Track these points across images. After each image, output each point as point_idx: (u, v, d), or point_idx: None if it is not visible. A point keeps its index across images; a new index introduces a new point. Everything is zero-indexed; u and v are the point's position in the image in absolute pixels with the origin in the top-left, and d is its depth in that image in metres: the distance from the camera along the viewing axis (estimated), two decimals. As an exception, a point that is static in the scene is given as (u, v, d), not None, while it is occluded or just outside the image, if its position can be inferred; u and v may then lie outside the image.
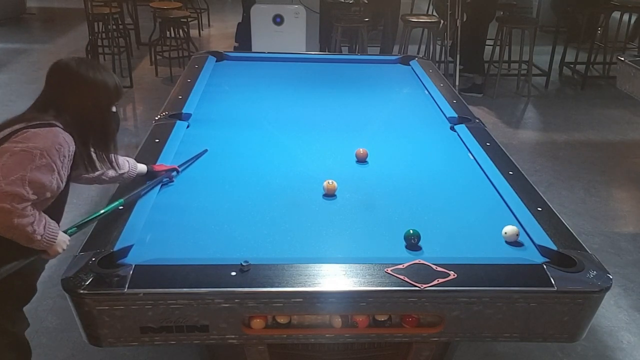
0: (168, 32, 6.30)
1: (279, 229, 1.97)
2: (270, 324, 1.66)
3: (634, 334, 2.82)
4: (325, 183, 2.20)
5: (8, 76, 6.19)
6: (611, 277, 1.70)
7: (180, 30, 6.32)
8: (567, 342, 1.78)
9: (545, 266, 1.72)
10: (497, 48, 6.18)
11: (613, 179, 4.46)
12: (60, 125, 1.69)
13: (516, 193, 2.19)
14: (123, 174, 2.08)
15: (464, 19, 5.99)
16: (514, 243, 1.91)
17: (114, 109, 1.85)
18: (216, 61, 3.79)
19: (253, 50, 5.59)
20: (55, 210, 1.77)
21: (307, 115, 3.05)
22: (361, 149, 2.51)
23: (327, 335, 1.70)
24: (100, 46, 6.19)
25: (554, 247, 1.84)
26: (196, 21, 8.08)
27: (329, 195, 2.18)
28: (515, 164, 2.45)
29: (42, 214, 1.66)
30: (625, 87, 4.07)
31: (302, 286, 1.60)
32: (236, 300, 1.59)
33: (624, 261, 3.39)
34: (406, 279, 1.63)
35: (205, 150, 2.50)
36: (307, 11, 5.67)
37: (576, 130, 5.35)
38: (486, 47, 6.28)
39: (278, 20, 5.61)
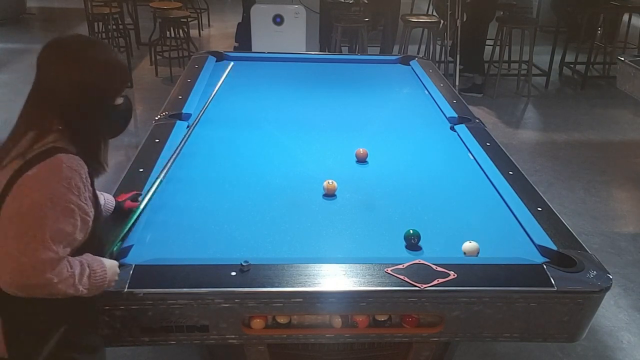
0: (168, 32, 6.30)
1: (279, 229, 1.97)
2: (270, 324, 1.66)
3: (634, 334, 2.82)
4: (325, 183, 2.19)
5: (8, 76, 6.19)
6: (611, 277, 1.70)
7: (180, 30, 6.32)
8: (567, 342, 1.78)
9: (545, 266, 1.71)
10: (497, 48, 6.18)
11: (613, 179, 4.46)
12: (60, 145, 1.39)
13: (516, 193, 2.18)
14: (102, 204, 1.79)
15: (464, 19, 5.99)
16: (509, 243, 1.91)
17: (118, 100, 1.52)
18: (216, 61, 3.79)
19: (253, 50, 5.59)
20: (92, 235, 1.48)
21: (307, 115, 3.05)
22: (361, 149, 2.51)
23: (327, 335, 1.69)
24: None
25: (554, 247, 1.84)
26: (196, 21, 8.07)
27: (329, 195, 2.18)
28: (515, 164, 2.45)
29: (82, 261, 1.40)
30: (625, 87, 4.07)
31: (302, 286, 1.60)
32: (236, 300, 1.59)
33: (624, 261, 3.39)
34: (406, 279, 1.63)
35: (232, 65, 2.49)
36: (307, 11, 5.67)
37: (576, 130, 5.35)
38: (486, 47, 6.28)
39: (278, 20, 5.61)
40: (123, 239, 1.72)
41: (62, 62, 1.41)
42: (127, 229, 1.77)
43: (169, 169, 2.09)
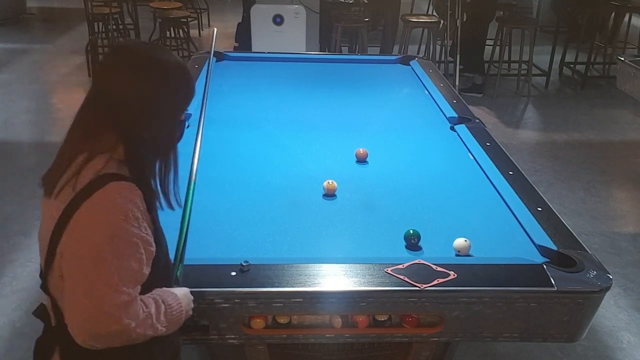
0: (168, 32, 6.31)
1: (279, 229, 1.97)
2: (270, 324, 1.66)
3: (634, 334, 2.82)
4: (325, 183, 2.19)
5: (8, 76, 6.19)
6: (611, 277, 1.70)
7: (180, 30, 6.32)
8: (567, 342, 1.78)
9: (545, 266, 1.71)
10: (497, 48, 6.18)
11: (613, 179, 4.46)
12: (111, 169, 1.24)
13: (516, 193, 2.18)
14: None
15: (464, 19, 5.99)
16: (509, 243, 1.92)
17: (182, 115, 1.38)
18: (216, 61, 3.79)
19: (253, 50, 5.59)
20: (157, 265, 1.32)
21: (307, 115, 3.05)
22: (361, 149, 2.51)
23: (327, 335, 1.69)
24: (100, 46, 6.19)
25: (554, 247, 1.84)
26: (196, 21, 8.07)
27: (329, 195, 2.18)
28: (515, 164, 2.45)
29: (155, 297, 1.28)
30: (625, 87, 4.07)
31: (302, 286, 1.60)
32: (236, 300, 1.59)
33: (624, 261, 3.39)
34: (406, 279, 1.63)
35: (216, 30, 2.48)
36: (307, 11, 5.66)
37: (576, 130, 5.35)
38: (486, 47, 6.28)
39: (278, 20, 5.61)
40: (182, 260, 1.52)
41: (132, 70, 1.24)
42: (182, 249, 1.54)
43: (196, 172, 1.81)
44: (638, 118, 5.74)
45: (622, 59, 4.12)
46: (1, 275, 3.08)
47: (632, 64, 3.92)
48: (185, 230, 1.55)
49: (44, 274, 1.31)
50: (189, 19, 6.52)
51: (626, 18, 6.87)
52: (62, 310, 1.26)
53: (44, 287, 1.32)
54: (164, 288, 1.35)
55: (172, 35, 6.30)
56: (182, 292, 1.38)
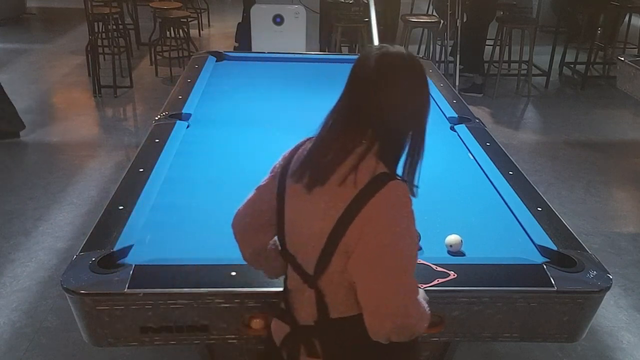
0: (168, 32, 6.31)
1: (279, 229, 1.96)
2: (270, 324, 1.65)
3: (634, 334, 2.82)
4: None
5: (8, 76, 6.18)
6: (611, 277, 1.70)
7: (180, 30, 6.32)
8: (567, 342, 1.78)
9: (545, 266, 1.71)
10: (497, 48, 6.18)
11: (613, 179, 4.46)
12: (383, 169, 1.30)
13: (516, 193, 2.18)
14: None
15: (464, 19, 5.99)
16: (509, 243, 1.91)
17: None
18: (216, 61, 3.79)
19: (253, 50, 5.59)
20: None
21: (307, 115, 3.03)
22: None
23: (327, 335, 1.69)
24: (100, 46, 6.20)
25: (554, 247, 1.84)
26: (196, 21, 8.07)
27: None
28: (515, 164, 2.45)
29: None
30: (625, 87, 4.07)
31: (302, 286, 1.60)
32: (236, 300, 1.59)
33: (624, 261, 3.39)
34: (406, 279, 1.62)
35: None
36: (307, 11, 5.67)
37: (576, 130, 5.35)
38: (486, 47, 6.28)
39: (278, 20, 5.61)
40: None
41: (398, 74, 1.36)
42: None
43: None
44: (638, 118, 5.74)
45: (622, 59, 4.12)
46: (1, 275, 3.08)
47: (632, 64, 3.92)
48: None
49: (317, 270, 1.31)
50: (189, 19, 6.52)
51: (626, 18, 6.87)
52: (329, 305, 1.32)
53: (312, 282, 1.33)
54: None
55: (172, 35, 6.30)
56: (422, 292, 1.39)
